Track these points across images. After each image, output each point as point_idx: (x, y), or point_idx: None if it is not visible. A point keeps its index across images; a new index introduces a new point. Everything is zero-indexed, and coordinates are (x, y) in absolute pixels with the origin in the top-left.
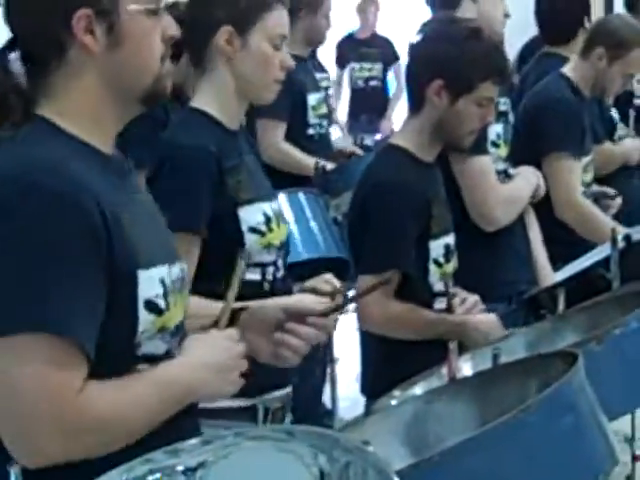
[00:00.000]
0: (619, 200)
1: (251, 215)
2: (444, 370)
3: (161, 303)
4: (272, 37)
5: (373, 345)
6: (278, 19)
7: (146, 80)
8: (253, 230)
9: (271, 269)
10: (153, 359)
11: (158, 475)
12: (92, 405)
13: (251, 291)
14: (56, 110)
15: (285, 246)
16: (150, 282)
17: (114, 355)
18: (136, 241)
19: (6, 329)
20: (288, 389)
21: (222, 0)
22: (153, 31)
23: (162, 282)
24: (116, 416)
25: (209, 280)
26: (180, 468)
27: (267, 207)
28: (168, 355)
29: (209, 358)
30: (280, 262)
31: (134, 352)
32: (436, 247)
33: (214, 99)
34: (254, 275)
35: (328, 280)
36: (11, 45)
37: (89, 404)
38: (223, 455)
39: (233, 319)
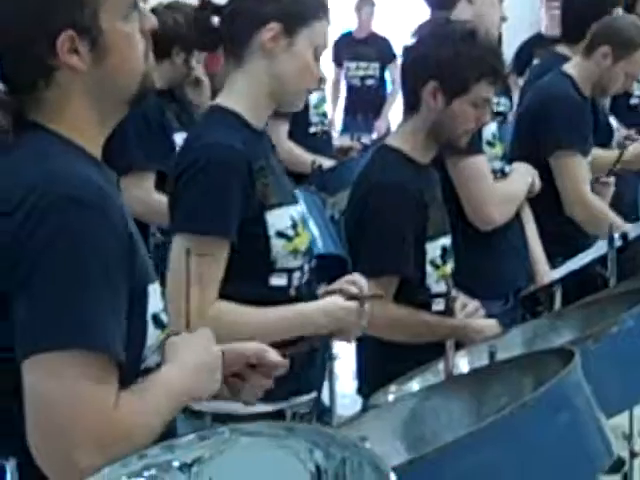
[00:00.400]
0: (612, 180)
1: (279, 219)
2: (440, 366)
3: (164, 317)
4: (316, 46)
5: (370, 345)
6: (324, 30)
7: (133, 83)
8: (280, 235)
9: (297, 274)
10: (148, 372)
11: (154, 471)
12: (125, 418)
13: (277, 297)
14: (57, 122)
15: (310, 251)
16: (155, 296)
17: (126, 369)
18: (143, 255)
19: (44, 346)
20: (314, 394)
21: None
22: (133, 34)
23: (162, 296)
24: (144, 425)
25: (233, 284)
26: (176, 464)
27: (293, 211)
28: (158, 367)
29: (195, 360)
30: (306, 267)
31: (140, 366)
32: (433, 249)
33: (245, 97)
34: (280, 281)
35: (354, 280)
36: None
37: (123, 417)
38: (219, 451)
39: None
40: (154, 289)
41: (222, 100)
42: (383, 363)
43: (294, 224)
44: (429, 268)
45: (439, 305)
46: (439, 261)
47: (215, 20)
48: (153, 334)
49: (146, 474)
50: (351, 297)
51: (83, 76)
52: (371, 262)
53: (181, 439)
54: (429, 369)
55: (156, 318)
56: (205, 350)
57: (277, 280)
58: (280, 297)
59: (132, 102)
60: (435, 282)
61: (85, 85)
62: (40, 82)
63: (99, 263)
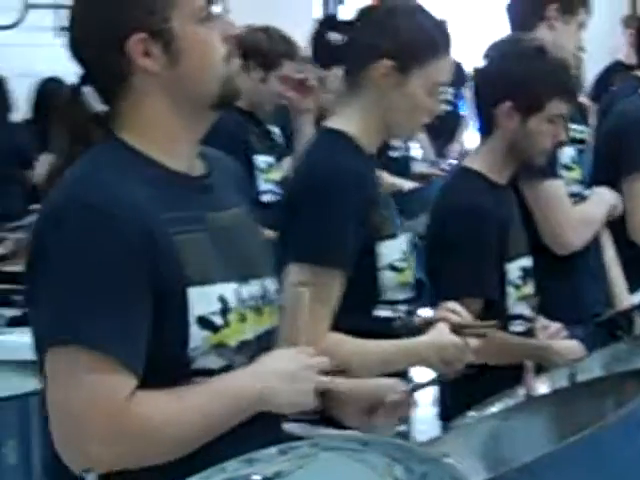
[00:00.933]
0: None
1: (391, 251)
2: (520, 391)
3: (217, 320)
4: (431, 85)
5: None
6: (442, 67)
7: (213, 86)
8: (391, 267)
9: (403, 307)
10: (209, 373)
11: None
12: (141, 411)
13: (381, 328)
14: (130, 131)
15: (416, 282)
16: (205, 299)
17: (166, 369)
18: (190, 259)
19: (51, 341)
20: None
21: (392, 32)
22: (210, 37)
23: (221, 299)
24: (167, 422)
25: (336, 314)
26: (256, 478)
27: (403, 241)
28: (226, 370)
29: (276, 367)
30: (412, 299)
31: (187, 366)
32: (513, 270)
33: (358, 123)
34: (385, 312)
35: (454, 309)
36: (84, 79)
37: (137, 410)
38: (299, 465)
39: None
40: (200, 292)
41: (335, 123)
42: (463, 388)
43: (404, 256)
44: (510, 289)
45: (517, 327)
46: (519, 282)
47: (332, 37)
48: (198, 335)
49: None
50: (454, 328)
51: (158, 78)
52: (457, 284)
53: (261, 452)
54: (509, 394)
55: (203, 320)
56: (293, 360)
57: (382, 312)
58: (384, 329)
59: (216, 107)
60: (514, 303)
61: (161, 88)
62: (117, 89)
63: (104, 267)
